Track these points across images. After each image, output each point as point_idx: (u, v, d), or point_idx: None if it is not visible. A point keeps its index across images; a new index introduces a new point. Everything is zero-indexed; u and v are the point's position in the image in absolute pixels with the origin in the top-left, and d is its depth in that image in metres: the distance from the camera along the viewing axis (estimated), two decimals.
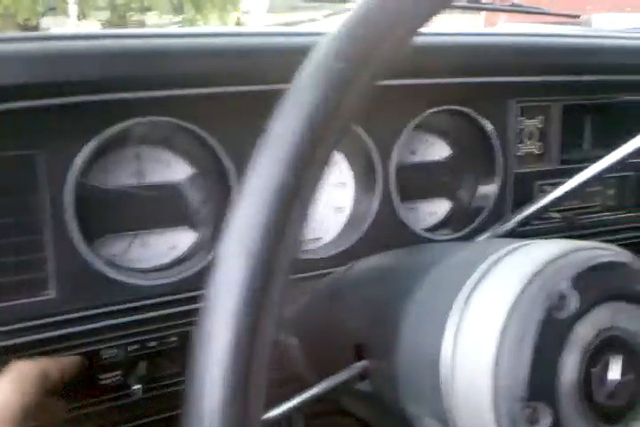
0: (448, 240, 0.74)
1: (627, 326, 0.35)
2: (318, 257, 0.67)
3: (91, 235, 0.59)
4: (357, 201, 0.73)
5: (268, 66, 0.58)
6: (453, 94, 0.72)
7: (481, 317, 0.34)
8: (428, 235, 0.73)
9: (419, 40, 0.70)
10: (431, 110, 0.70)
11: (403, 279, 0.43)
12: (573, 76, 0.76)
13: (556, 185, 0.68)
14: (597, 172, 0.65)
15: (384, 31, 0.23)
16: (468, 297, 0.35)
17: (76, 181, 0.55)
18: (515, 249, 0.37)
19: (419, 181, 0.78)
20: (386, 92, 0.66)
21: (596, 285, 0.33)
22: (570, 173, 0.68)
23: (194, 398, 0.21)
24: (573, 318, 0.33)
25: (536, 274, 0.34)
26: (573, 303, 0.33)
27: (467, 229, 0.75)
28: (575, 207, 0.82)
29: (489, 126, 0.74)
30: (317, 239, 0.72)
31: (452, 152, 0.79)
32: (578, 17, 1.10)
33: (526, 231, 0.77)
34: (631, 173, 0.84)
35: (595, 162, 0.66)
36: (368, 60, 0.23)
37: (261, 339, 0.21)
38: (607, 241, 0.81)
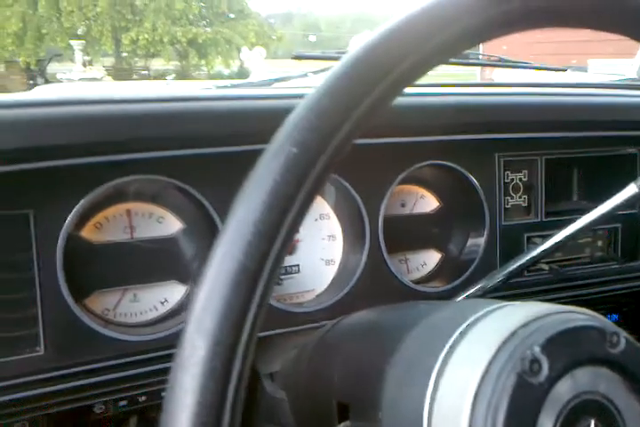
0: (438, 292, 0.75)
1: (601, 389, 0.35)
2: (309, 310, 0.68)
3: (82, 290, 0.60)
4: (347, 254, 0.74)
5: (251, 128, 0.60)
6: (439, 150, 0.74)
7: (456, 381, 0.35)
8: (418, 287, 0.74)
9: (408, 100, 0.73)
10: (417, 165, 0.72)
11: (385, 339, 0.43)
12: (555, 133, 0.78)
13: (544, 237, 0.69)
14: (585, 224, 0.66)
15: (337, 122, 0.25)
16: (445, 361, 0.36)
17: (68, 238, 0.56)
18: (491, 311, 0.38)
19: (408, 233, 0.79)
20: (373, 149, 0.69)
21: (566, 350, 0.34)
22: (556, 225, 0.69)
23: None
24: (546, 383, 0.33)
25: (508, 339, 0.34)
26: (547, 368, 0.33)
27: (457, 282, 0.76)
28: (564, 259, 0.83)
29: (475, 180, 0.76)
30: (310, 291, 0.73)
31: (440, 205, 0.81)
32: (565, 70, 1.14)
33: (516, 283, 0.78)
34: (619, 225, 0.85)
35: (580, 214, 0.68)
36: (321, 147, 0.24)
37: None
38: (595, 293, 0.83)
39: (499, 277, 0.65)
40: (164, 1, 13.06)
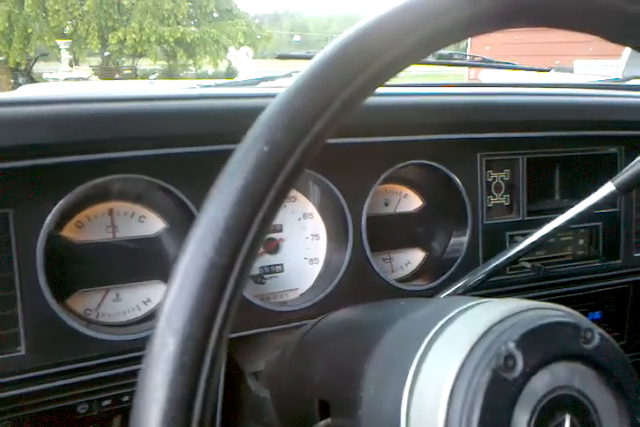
0: (421, 291, 0.75)
1: (576, 385, 0.36)
2: (292, 309, 0.68)
3: (63, 290, 0.59)
4: (330, 253, 0.74)
5: (235, 127, 0.60)
6: (422, 150, 0.74)
7: (433, 378, 0.35)
8: (402, 285, 0.74)
9: (391, 100, 0.74)
10: (399, 165, 0.73)
11: (365, 337, 0.43)
12: (537, 132, 0.79)
13: (525, 235, 0.70)
14: (564, 222, 0.67)
15: (308, 120, 0.25)
16: (422, 358, 0.36)
17: (48, 237, 0.56)
18: (467, 308, 0.38)
19: (392, 232, 0.79)
20: (356, 148, 0.69)
21: (541, 345, 0.34)
22: (537, 224, 0.70)
23: None
24: (520, 378, 0.34)
25: (484, 335, 0.35)
26: (521, 364, 0.34)
27: (440, 280, 0.76)
28: (547, 257, 0.84)
29: (457, 180, 0.76)
30: (294, 290, 0.73)
31: (424, 204, 0.81)
32: (548, 71, 1.15)
33: (498, 281, 0.78)
34: (600, 224, 0.86)
35: (562, 212, 0.68)
36: (292, 145, 0.25)
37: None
38: (577, 291, 0.84)
39: (480, 274, 0.66)
40: (151, 0, 13.00)
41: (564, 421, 0.35)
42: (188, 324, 0.22)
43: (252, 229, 0.23)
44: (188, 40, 13.09)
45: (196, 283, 0.22)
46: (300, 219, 0.74)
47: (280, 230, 0.73)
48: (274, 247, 0.72)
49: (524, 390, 0.34)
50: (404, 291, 0.74)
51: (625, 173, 0.60)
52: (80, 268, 0.61)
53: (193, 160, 0.61)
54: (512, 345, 0.34)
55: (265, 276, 0.71)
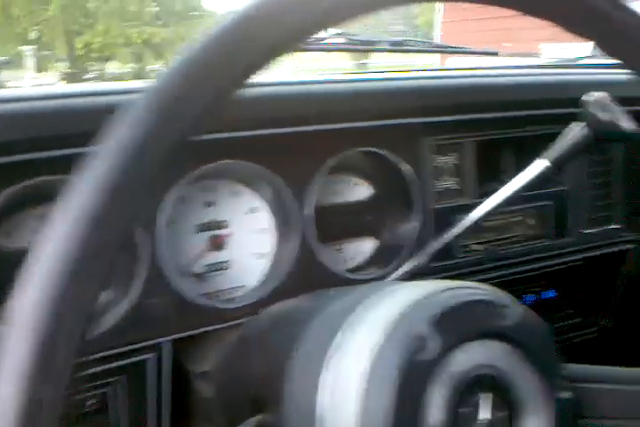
0: (373, 279, 0.74)
1: (495, 363, 0.35)
2: (239, 306, 0.67)
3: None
4: (279, 246, 0.73)
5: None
6: (366, 137, 0.73)
7: (348, 366, 0.34)
8: (351, 275, 0.74)
9: (334, 86, 0.72)
10: (344, 153, 0.72)
11: (290, 331, 0.42)
12: (482, 114, 0.78)
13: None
14: (499, 202, 0.66)
15: (197, 86, 0.24)
16: (337, 347, 0.35)
17: None
18: (382, 293, 0.37)
19: (343, 222, 0.78)
20: (297, 137, 0.68)
21: (455, 325, 0.34)
22: None
23: None
24: (435, 359, 0.33)
25: (397, 319, 0.34)
26: (435, 345, 0.33)
27: (391, 267, 0.75)
28: (497, 239, 0.84)
29: (404, 165, 0.76)
30: (241, 287, 0.72)
31: (373, 192, 0.80)
32: (496, 54, 1.15)
33: (449, 265, 0.78)
34: (550, 203, 0.86)
35: None
36: (177, 112, 0.23)
37: None
38: (529, 270, 0.84)
39: (420, 259, 0.65)
40: (117, 2, 12.84)
41: (484, 400, 0.34)
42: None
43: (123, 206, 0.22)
44: (157, 41, 12.93)
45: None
46: (246, 213, 0.73)
47: (225, 226, 0.71)
48: (219, 244, 0.71)
49: (440, 371, 0.33)
50: (356, 280, 0.73)
51: (555, 147, 0.59)
52: (10, 277, 0.59)
53: None
54: (425, 327, 0.33)
55: (210, 273, 0.70)
